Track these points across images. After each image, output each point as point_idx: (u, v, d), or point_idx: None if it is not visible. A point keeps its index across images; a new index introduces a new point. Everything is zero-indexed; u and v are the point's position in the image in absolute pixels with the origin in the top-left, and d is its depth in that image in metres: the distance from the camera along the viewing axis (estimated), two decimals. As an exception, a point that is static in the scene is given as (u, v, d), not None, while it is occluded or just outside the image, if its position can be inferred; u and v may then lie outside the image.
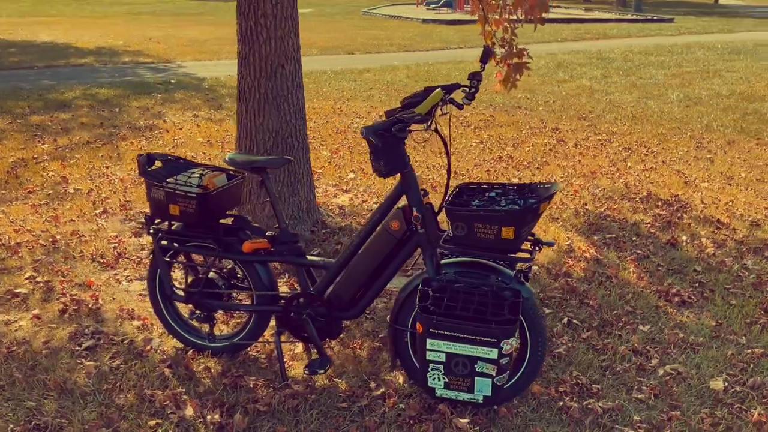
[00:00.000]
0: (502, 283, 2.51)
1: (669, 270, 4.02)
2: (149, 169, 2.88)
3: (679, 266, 4.07)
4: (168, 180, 2.82)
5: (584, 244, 4.35)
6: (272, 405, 2.70)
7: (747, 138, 7.16)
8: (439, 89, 2.50)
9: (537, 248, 2.52)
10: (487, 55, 2.54)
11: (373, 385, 2.85)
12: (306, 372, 2.74)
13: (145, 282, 3.76)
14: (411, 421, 2.64)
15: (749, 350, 3.16)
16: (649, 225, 4.71)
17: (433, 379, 2.48)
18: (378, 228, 2.72)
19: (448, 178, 2.68)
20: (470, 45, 15.20)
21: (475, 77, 2.52)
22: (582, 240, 4.42)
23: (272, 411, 2.68)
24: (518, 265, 2.55)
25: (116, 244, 4.23)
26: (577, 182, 5.60)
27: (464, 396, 2.47)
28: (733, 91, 9.54)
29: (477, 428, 2.59)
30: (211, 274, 2.98)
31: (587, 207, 5.04)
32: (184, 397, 2.74)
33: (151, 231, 2.93)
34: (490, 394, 2.45)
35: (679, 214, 4.89)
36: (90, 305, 3.47)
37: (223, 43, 15.15)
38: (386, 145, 2.56)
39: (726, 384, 2.88)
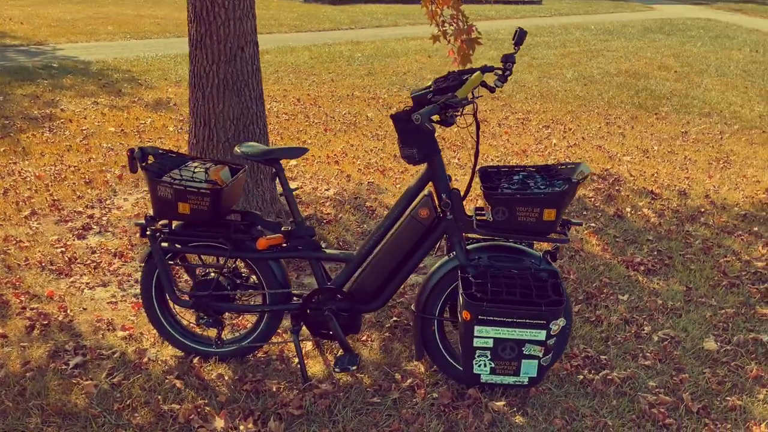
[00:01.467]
0: (535, 265, 2.55)
1: (626, 240, 4.26)
2: (146, 164, 2.62)
3: (633, 236, 4.32)
4: (172, 176, 2.59)
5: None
6: (304, 407, 2.58)
7: (647, 113, 7.71)
8: (479, 72, 2.47)
9: (567, 228, 2.57)
10: (521, 38, 2.52)
11: (398, 376, 2.80)
12: (337, 369, 2.64)
13: (111, 288, 3.46)
14: (446, 409, 2.62)
15: (722, 311, 3.42)
16: (592, 199, 4.96)
17: (479, 366, 2.47)
18: (403, 217, 2.66)
19: (475, 164, 2.66)
20: (361, 26, 15.15)
21: (509, 60, 2.51)
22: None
23: (306, 414, 2.56)
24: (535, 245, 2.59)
25: (63, 249, 3.84)
26: (513, 161, 5.77)
27: (510, 379, 2.49)
28: (619, 70, 10.23)
29: (514, 410, 2.63)
30: (216, 275, 2.78)
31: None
32: (207, 408, 2.55)
33: (148, 233, 2.68)
34: (535, 375, 2.48)
35: (616, 187, 5.19)
36: (60, 318, 3.13)
37: (96, 23, 14.09)
38: (422, 131, 2.51)
39: (717, 344, 3.11)
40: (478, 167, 2.67)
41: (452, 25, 5.04)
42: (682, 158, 6.08)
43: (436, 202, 2.62)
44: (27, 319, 3.09)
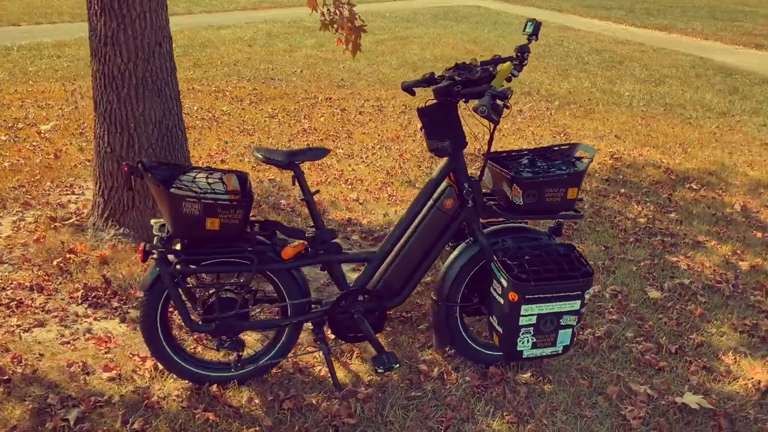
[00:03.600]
0: (550, 242, 2.74)
1: (532, 212, 4.65)
2: (153, 178, 2.31)
3: (535, 208, 4.74)
4: (192, 190, 2.32)
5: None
6: (356, 415, 2.51)
7: (480, 95, 8.34)
8: (509, 62, 2.55)
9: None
10: (537, 29, 2.63)
11: (424, 367, 2.83)
12: (381, 370, 2.59)
13: (52, 327, 3.00)
14: (480, 390, 2.72)
15: (642, 263, 3.94)
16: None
17: (523, 343, 2.60)
18: (425, 209, 2.68)
19: (488, 151, 2.75)
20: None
21: (524, 50, 2.61)
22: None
23: (362, 421, 2.49)
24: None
25: (-36, 290, 3.20)
26: (395, 147, 5.94)
27: (548, 351, 2.65)
28: (434, 55, 10.87)
29: (540, 379, 2.81)
30: (229, 293, 2.55)
31: (422, 168, 5.42)
32: (259, 436, 2.37)
33: (155, 256, 2.37)
34: (568, 343, 2.67)
35: (497, 165, 5.60)
36: (20, 370, 2.63)
37: None
38: (451, 124, 2.55)
39: (658, 292, 3.58)
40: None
41: (335, 14, 5.01)
42: (530, 134, 6.72)
43: (456, 191, 2.67)
44: (-22, 378, 2.56)
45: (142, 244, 2.41)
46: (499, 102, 2.41)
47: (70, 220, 3.91)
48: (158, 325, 2.50)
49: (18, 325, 2.97)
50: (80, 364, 2.70)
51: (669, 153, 6.25)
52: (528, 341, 2.60)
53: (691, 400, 2.68)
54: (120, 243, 3.61)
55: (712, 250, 4.16)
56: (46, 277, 3.36)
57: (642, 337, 3.16)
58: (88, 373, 2.66)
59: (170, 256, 2.40)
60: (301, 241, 2.56)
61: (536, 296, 2.52)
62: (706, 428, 2.56)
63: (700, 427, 2.56)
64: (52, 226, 3.86)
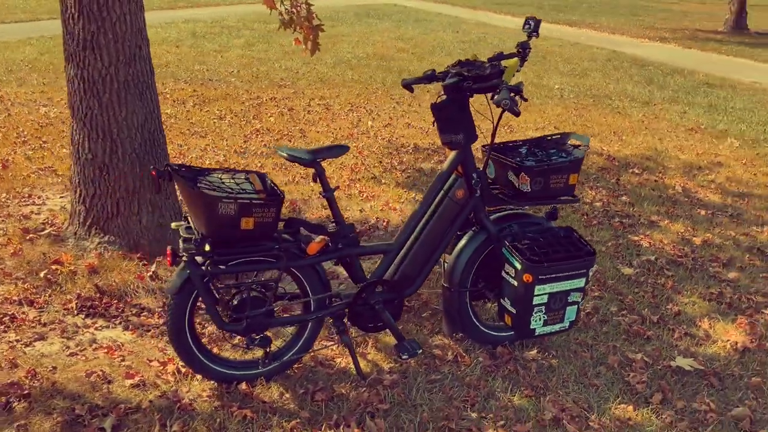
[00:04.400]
0: (549, 225, 2.92)
1: (497, 202, 4.87)
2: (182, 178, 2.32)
3: (499, 197, 4.95)
4: (225, 191, 2.34)
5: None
6: (387, 400, 2.60)
7: (419, 91, 8.52)
8: (516, 58, 2.70)
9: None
10: (537, 26, 2.79)
11: (438, 352, 2.95)
12: (405, 357, 2.68)
13: (54, 340, 2.92)
14: (494, 369, 2.88)
15: (608, 243, 4.21)
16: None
17: (535, 321, 2.77)
18: (437, 200, 2.80)
19: (492, 142, 2.90)
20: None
21: (526, 47, 2.77)
22: (419, 193, 4.94)
23: (393, 406, 2.58)
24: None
25: (-51, 308, 3.04)
26: (352, 144, 6.02)
27: (557, 327, 2.83)
28: (367, 53, 10.99)
29: (546, 354, 2.99)
30: (256, 292, 2.57)
31: (383, 163, 5.54)
32: (301, 428, 2.41)
33: (185, 258, 2.37)
34: (574, 318, 2.86)
35: (454, 158, 5.79)
36: (37, 384, 2.55)
37: None
38: (463, 118, 2.68)
39: (630, 269, 3.86)
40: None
41: (293, 13, 5.03)
42: (477, 127, 6.95)
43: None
44: (-5, 396, 2.47)
45: (170, 247, 2.41)
46: (511, 94, 2.56)
47: (45, 231, 3.77)
48: (186, 328, 2.50)
49: (17, 340, 2.87)
50: (99, 373, 2.65)
51: (606, 141, 6.65)
52: (540, 319, 2.77)
53: (684, 363, 2.93)
54: (106, 251, 3.52)
55: (666, 229, 4.50)
56: (34, 290, 3.25)
57: (625, 310, 3.41)
58: (109, 382, 2.62)
59: (198, 258, 2.41)
60: (324, 236, 2.62)
61: (548, 276, 2.69)
62: (701, 387, 2.81)
63: (696, 387, 2.81)
64: (27, 237, 3.71)
